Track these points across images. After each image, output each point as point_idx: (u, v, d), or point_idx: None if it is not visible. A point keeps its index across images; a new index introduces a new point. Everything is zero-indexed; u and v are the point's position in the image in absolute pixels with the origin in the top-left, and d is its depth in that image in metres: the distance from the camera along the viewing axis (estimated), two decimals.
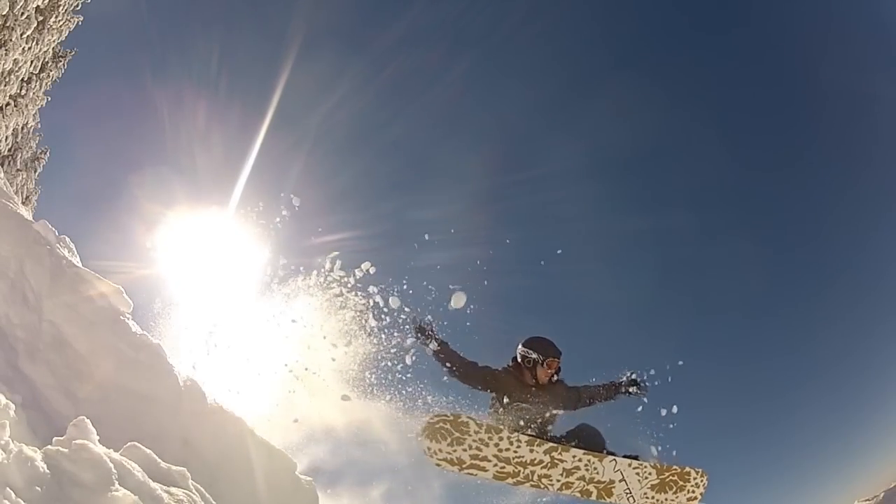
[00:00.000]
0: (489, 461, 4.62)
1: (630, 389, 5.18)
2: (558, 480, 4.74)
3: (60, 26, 12.45)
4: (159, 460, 4.93)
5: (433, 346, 4.97)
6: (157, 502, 4.28)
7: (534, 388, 4.98)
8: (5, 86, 11.52)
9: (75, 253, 8.22)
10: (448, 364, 4.97)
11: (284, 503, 7.58)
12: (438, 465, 4.57)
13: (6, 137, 12.41)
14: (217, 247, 12.61)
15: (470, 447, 4.60)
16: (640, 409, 5.21)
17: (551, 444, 4.76)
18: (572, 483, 4.76)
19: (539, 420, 4.95)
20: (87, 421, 4.24)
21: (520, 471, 4.67)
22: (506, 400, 4.92)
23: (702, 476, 5.09)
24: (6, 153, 12.67)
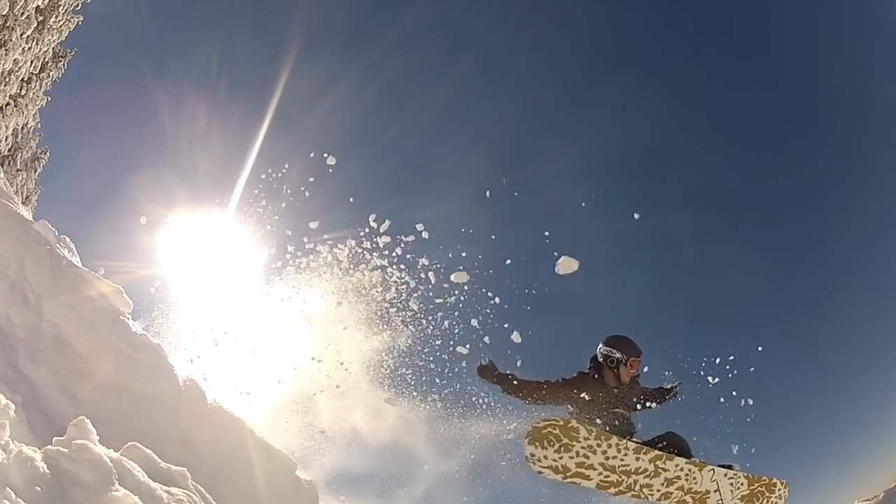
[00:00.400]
0: (594, 469, 4.46)
1: (673, 396, 5.08)
2: (658, 490, 4.62)
3: (60, 26, 12.45)
4: (159, 460, 4.93)
5: (500, 386, 4.80)
6: (157, 502, 4.28)
7: (615, 390, 4.84)
8: (5, 86, 11.52)
9: (75, 253, 8.23)
10: (521, 395, 4.79)
11: (284, 503, 7.58)
12: (541, 472, 4.39)
13: (6, 137, 12.41)
14: (217, 246, 12.63)
15: (577, 454, 4.42)
16: (721, 399, 5.15)
17: (657, 453, 4.64)
18: (671, 493, 4.65)
19: (624, 425, 4.82)
20: (87, 421, 4.23)
21: (623, 480, 4.53)
22: (587, 405, 4.74)
23: (785, 488, 5.01)
24: (6, 153, 12.67)
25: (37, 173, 13.59)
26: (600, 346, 4.92)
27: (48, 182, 13.88)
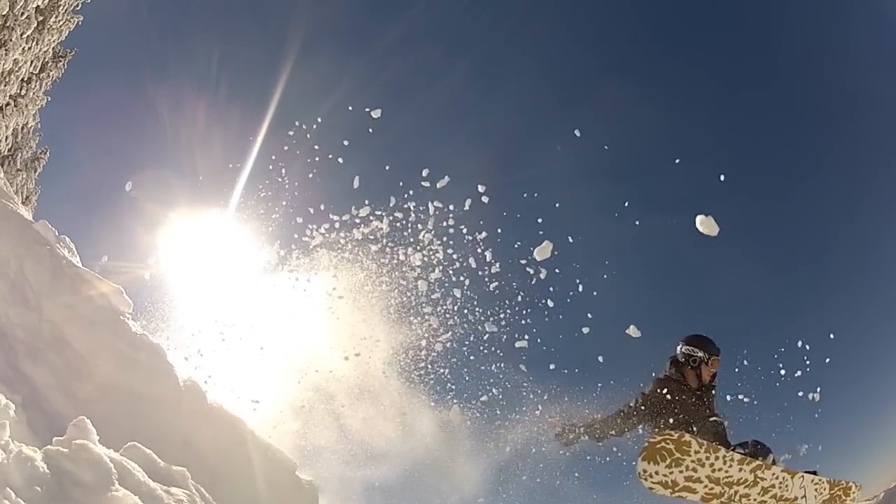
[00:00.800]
0: (701, 482, 4.46)
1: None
2: (755, 499, 4.64)
3: (60, 26, 12.45)
4: (159, 460, 4.92)
5: (584, 438, 4.80)
6: (157, 502, 4.27)
7: (698, 392, 4.84)
8: (5, 86, 11.52)
9: (75, 253, 8.22)
10: (614, 434, 4.78)
11: (284, 503, 7.57)
12: (652, 488, 4.38)
13: (6, 137, 12.41)
14: (219, 244, 12.60)
15: (686, 468, 4.41)
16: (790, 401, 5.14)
17: (757, 463, 4.64)
18: (766, 501, 4.66)
19: (721, 431, 4.80)
20: (87, 421, 4.23)
21: (725, 491, 4.54)
22: (675, 416, 4.71)
23: (857, 489, 5.04)
24: (6, 153, 12.68)
25: (37, 173, 13.60)
26: (681, 346, 4.91)
27: (48, 182, 13.88)
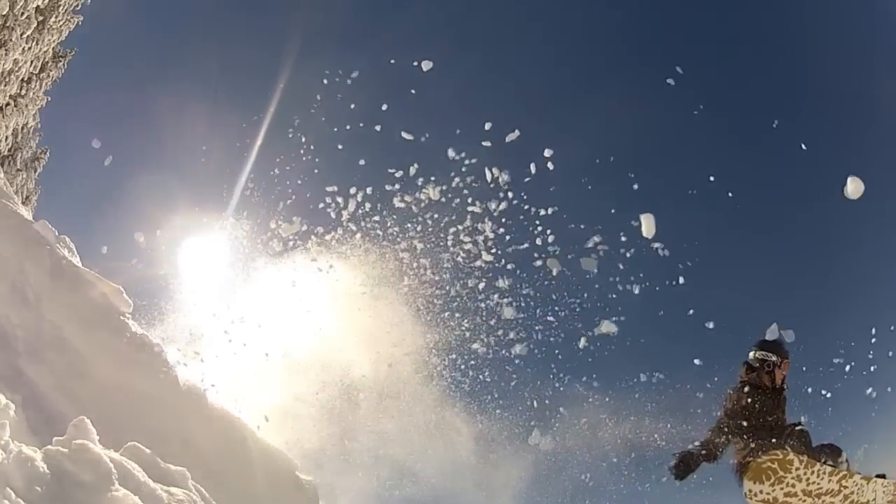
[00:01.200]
0: (797, 496, 4.59)
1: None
2: None
3: (60, 26, 12.46)
4: (159, 460, 4.92)
5: (706, 462, 4.83)
6: (156, 502, 4.27)
7: (775, 396, 4.93)
8: (5, 86, 11.53)
9: (75, 253, 8.23)
10: (721, 452, 4.84)
11: (284, 503, 7.58)
12: None
13: (6, 137, 12.42)
14: (221, 243, 12.57)
15: (787, 485, 4.56)
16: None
17: (843, 472, 4.74)
18: None
19: (805, 439, 4.86)
20: (87, 421, 4.23)
21: (815, 502, 4.65)
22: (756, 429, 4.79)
23: None
24: (6, 153, 12.68)
25: (37, 173, 13.60)
26: (755, 351, 5.01)
27: (48, 182, 13.88)
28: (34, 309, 7.00)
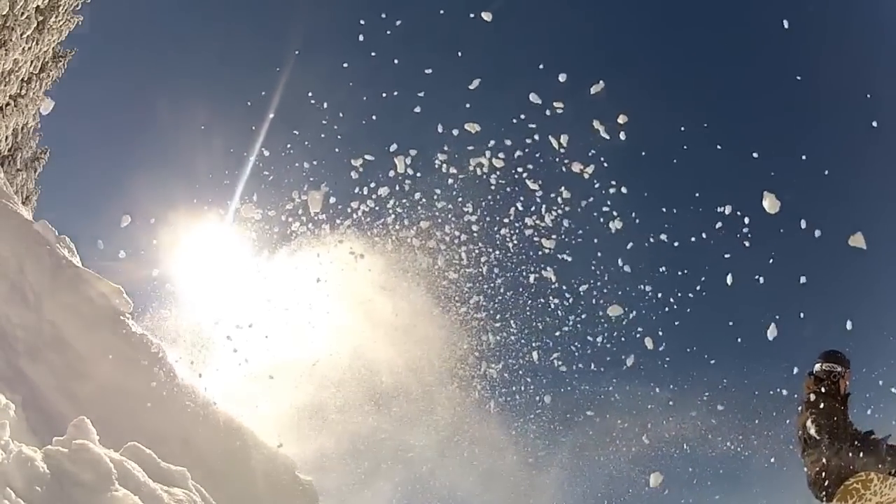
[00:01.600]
0: None
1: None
2: None
3: (60, 26, 12.45)
4: (159, 460, 4.92)
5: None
6: (157, 502, 4.28)
7: (843, 406, 4.92)
8: (5, 86, 11.52)
9: (75, 253, 8.23)
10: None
11: (284, 503, 7.58)
12: None
13: (6, 137, 12.41)
14: (217, 245, 12.53)
15: (865, 500, 4.63)
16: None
17: None
18: None
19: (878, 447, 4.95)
20: (87, 421, 4.23)
21: None
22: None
23: None
24: (6, 153, 12.67)
25: (37, 173, 13.59)
26: (820, 364, 5.07)
27: (48, 182, 13.87)
28: (34, 309, 7.01)
